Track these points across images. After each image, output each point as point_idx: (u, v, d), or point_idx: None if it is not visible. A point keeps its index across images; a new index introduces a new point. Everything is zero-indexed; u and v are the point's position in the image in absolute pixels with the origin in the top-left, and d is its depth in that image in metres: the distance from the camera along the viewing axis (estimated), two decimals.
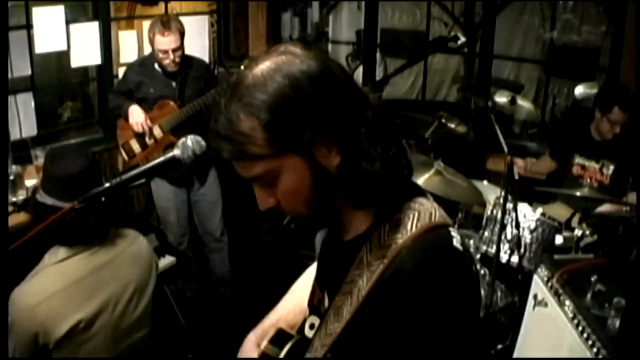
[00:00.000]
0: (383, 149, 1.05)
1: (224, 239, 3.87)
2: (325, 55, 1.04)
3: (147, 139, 3.55)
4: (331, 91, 0.99)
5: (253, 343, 1.37)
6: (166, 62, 3.41)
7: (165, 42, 3.35)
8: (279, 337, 1.31)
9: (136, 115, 3.47)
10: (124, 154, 3.64)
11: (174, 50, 3.37)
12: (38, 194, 1.90)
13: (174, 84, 3.51)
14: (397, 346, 0.98)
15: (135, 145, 3.60)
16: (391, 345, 0.98)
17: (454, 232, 1.06)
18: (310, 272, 1.42)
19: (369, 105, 1.04)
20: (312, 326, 1.23)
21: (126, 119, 3.51)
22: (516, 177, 3.51)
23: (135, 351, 2.07)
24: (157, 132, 3.52)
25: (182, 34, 3.40)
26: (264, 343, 1.32)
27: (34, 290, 1.83)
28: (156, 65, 3.49)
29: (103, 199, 1.27)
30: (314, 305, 1.25)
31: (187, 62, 3.50)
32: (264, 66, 1.01)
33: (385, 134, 1.06)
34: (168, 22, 3.36)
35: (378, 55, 5.44)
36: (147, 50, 4.25)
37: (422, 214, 1.05)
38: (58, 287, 1.85)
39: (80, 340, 1.88)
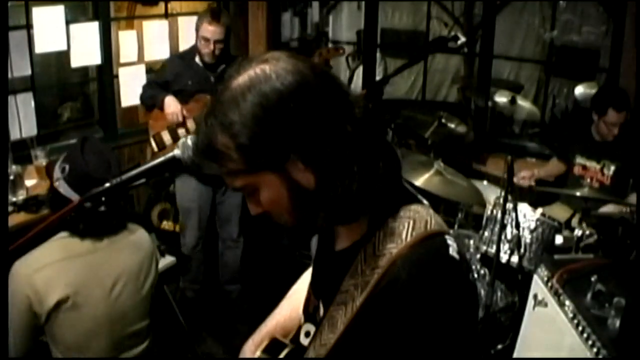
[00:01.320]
0: (372, 161, 1.03)
1: (241, 240, 3.87)
2: (309, 65, 1.01)
3: (179, 132, 3.55)
4: (305, 110, 0.97)
5: (252, 351, 1.37)
6: (205, 50, 3.44)
7: (210, 30, 3.38)
8: (273, 346, 1.31)
9: (172, 106, 3.49)
10: (154, 144, 3.65)
11: (215, 42, 3.40)
12: (58, 183, 1.91)
13: (212, 78, 3.51)
14: (392, 358, 0.97)
15: (166, 137, 3.60)
16: (386, 356, 0.98)
17: (450, 240, 1.03)
18: (307, 277, 1.41)
19: (352, 119, 1.00)
20: (307, 334, 1.22)
21: (161, 109, 3.52)
22: (526, 185, 3.52)
23: (134, 341, 2.08)
24: (191, 124, 3.52)
25: (228, 29, 3.45)
26: (258, 353, 1.32)
27: (34, 259, 1.90)
28: (197, 59, 3.51)
29: (103, 198, 1.27)
30: (309, 313, 1.24)
31: (228, 58, 3.51)
32: (240, 80, 0.99)
33: (373, 145, 1.03)
34: (218, 13, 3.42)
35: (378, 55, 5.45)
36: (147, 50, 4.26)
37: (417, 222, 1.03)
38: (56, 258, 1.91)
39: (71, 318, 1.91)
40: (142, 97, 3.75)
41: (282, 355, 1.26)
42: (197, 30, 3.46)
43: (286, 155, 0.98)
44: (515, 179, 3.30)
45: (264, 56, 1.02)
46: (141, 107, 4.20)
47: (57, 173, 1.93)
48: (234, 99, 0.98)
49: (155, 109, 3.60)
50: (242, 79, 1.00)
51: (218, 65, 3.48)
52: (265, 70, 0.99)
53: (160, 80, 3.62)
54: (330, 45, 6.58)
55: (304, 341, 1.22)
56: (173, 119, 3.49)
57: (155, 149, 3.63)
